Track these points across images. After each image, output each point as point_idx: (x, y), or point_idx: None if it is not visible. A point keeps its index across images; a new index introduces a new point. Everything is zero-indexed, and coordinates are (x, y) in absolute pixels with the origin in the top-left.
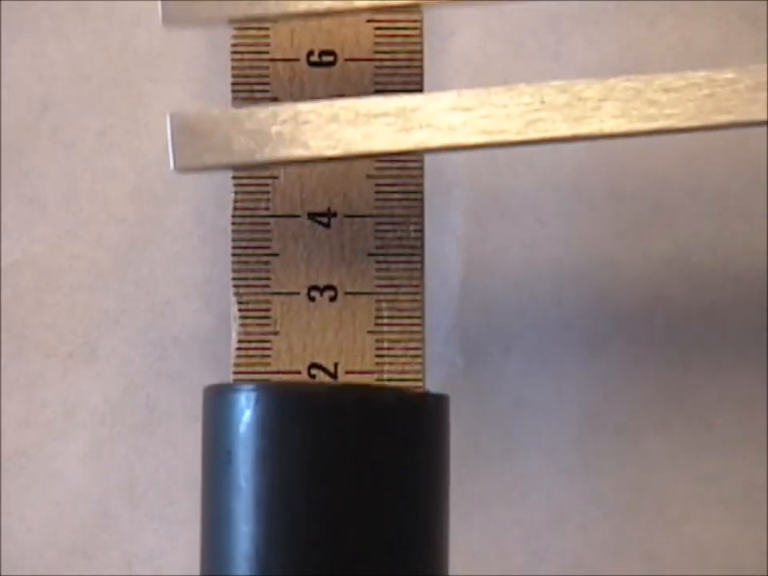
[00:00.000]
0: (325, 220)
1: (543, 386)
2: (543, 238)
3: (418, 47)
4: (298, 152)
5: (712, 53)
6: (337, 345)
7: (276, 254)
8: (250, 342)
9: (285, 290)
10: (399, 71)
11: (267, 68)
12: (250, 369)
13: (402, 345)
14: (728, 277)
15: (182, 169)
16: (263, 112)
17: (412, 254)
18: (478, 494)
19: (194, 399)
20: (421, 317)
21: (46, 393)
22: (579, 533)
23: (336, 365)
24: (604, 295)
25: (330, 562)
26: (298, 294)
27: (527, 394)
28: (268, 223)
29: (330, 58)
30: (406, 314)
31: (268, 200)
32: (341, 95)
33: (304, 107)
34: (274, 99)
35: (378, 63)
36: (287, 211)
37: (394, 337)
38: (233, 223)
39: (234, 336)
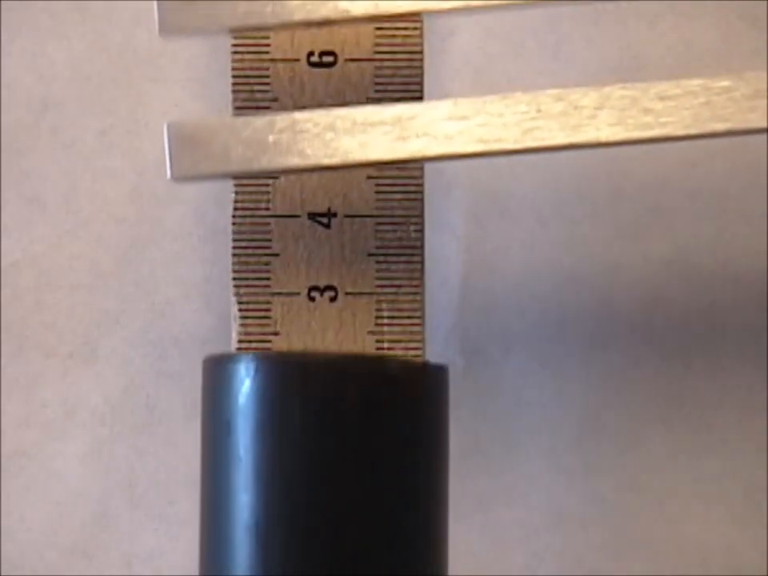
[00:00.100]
0: (325, 220)
1: (543, 386)
2: (543, 239)
3: (418, 47)
4: (295, 161)
5: (712, 53)
6: (337, 345)
7: (276, 254)
8: (250, 342)
9: (285, 291)
10: (399, 71)
11: (267, 68)
12: None
13: (402, 345)
14: (728, 278)
15: (180, 178)
16: (260, 121)
17: (412, 254)
18: (478, 494)
19: (194, 399)
20: (421, 317)
21: (46, 393)
22: (579, 533)
23: None
24: (604, 296)
25: (329, 533)
26: (298, 294)
27: (527, 394)
28: (268, 223)
29: (331, 59)
30: (405, 314)
31: (268, 200)
32: (341, 96)
33: (301, 116)
34: (275, 100)
35: (378, 63)
36: (287, 211)
37: (394, 337)
38: (233, 223)
39: (234, 336)
